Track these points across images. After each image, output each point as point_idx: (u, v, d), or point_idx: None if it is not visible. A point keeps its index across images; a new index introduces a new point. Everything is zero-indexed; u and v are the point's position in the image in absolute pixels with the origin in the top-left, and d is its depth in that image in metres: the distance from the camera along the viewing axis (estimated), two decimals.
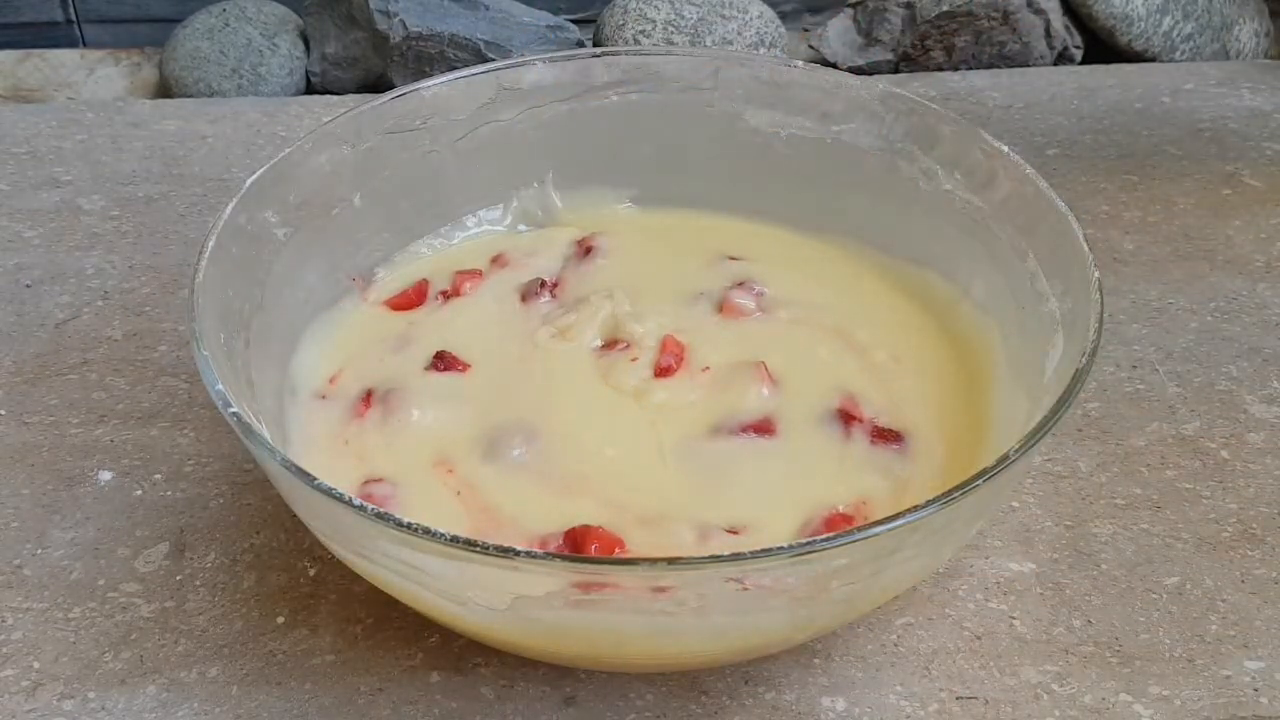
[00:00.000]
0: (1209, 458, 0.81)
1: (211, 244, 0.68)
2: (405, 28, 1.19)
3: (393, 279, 0.81)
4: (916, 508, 0.56)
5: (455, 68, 0.99)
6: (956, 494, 0.57)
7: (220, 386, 0.62)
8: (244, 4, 1.27)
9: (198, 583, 0.73)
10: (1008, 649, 0.70)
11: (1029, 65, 1.26)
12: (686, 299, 0.80)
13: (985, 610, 0.72)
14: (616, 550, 0.65)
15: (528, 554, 0.55)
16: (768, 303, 0.79)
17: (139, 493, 0.78)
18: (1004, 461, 0.58)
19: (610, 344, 0.77)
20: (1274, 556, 0.75)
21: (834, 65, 1.26)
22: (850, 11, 1.30)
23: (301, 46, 1.25)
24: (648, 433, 0.72)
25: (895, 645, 0.71)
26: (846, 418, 0.72)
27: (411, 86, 0.80)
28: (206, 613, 0.71)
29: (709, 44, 1.23)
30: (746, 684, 0.68)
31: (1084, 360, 0.63)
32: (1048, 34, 1.25)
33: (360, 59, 1.23)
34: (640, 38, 1.22)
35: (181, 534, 0.76)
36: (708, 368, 0.75)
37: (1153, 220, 0.99)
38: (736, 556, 0.55)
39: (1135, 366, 0.86)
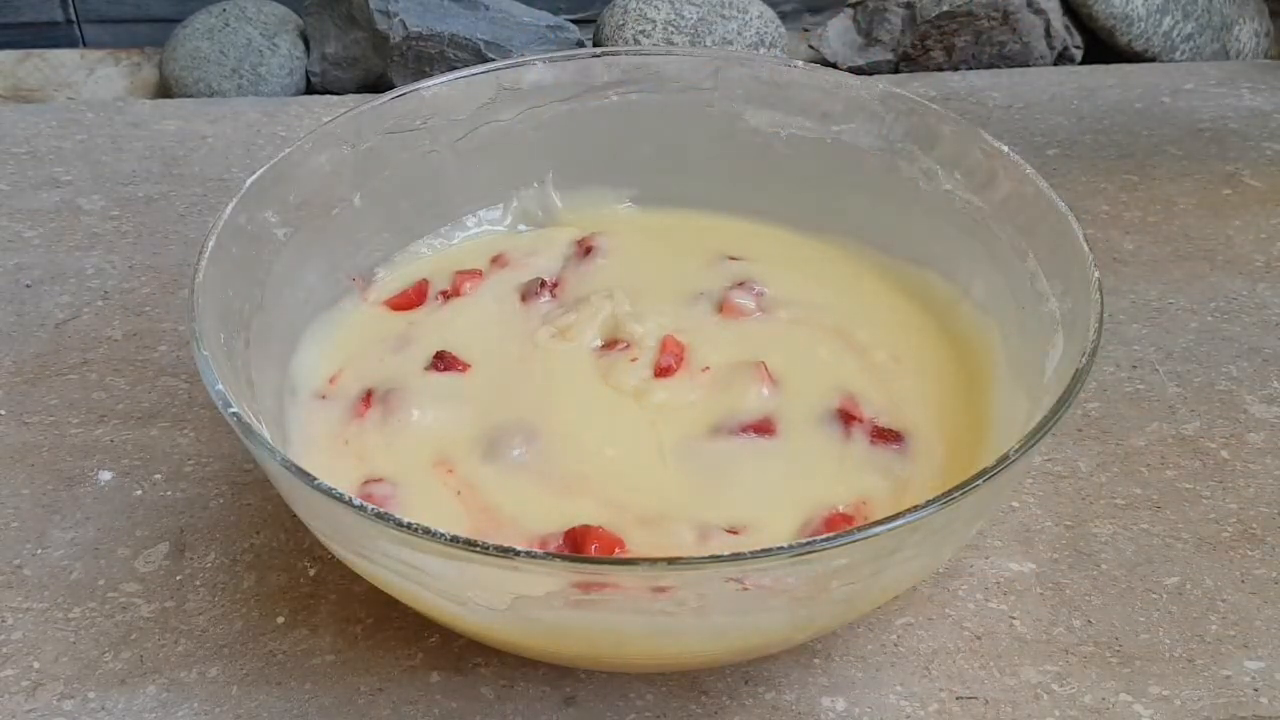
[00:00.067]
0: (1209, 458, 0.81)
1: (211, 244, 0.68)
2: (405, 28, 1.19)
3: (393, 279, 0.81)
4: (916, 508, 0.56)
5: (455, 68, 0.99)
6: (956, 494, 0.57)
7: (220, 386, 0.62)
8: (244, 4, 1.26)
9: (197, 582, 0.73)
10: (1007, 649, 0.70)
11: (1029, 65, 1.26)
12: (686, 299, 0.80)
13: (985, 610, 0.72)
14: (616, 550, 0.65)
15: (528, 554, 0.55)
16: (768, 303, 0.79)
17: (139, 493, 0.78)
18: (1004, 461, 0.58)
19: (610, 344, 0.77)
20: (1274, 556, 0.75)
21: (834, 65, 1.26)
22: (850, 11, 1.30)
23: (301, 46, 1.25)
24: (648, 433, 0.72)
25: (895, 645, 0.71)
26: (846, 418, 0.72)
27: (411, 86, 0.80)
28: (206, 613, 0.71)
29: (709, 44, 1.22)
30: (746, 684, 0.68)
31: (1084, 360, 0.63)
32: (1048, 34, 1.25)
33: (360, 59, 1.23)
34: (640, 38, 1.22)
35: (181, 534, 0.76)
36: (708, 368, 0.75)
37: (1153, 220, 0.99)
38: (736, 557, 0.55)
39: (1135, 366, 0.86)
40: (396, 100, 0.79)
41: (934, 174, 0.78)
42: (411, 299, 0.80)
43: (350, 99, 1.17)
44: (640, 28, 1.23)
